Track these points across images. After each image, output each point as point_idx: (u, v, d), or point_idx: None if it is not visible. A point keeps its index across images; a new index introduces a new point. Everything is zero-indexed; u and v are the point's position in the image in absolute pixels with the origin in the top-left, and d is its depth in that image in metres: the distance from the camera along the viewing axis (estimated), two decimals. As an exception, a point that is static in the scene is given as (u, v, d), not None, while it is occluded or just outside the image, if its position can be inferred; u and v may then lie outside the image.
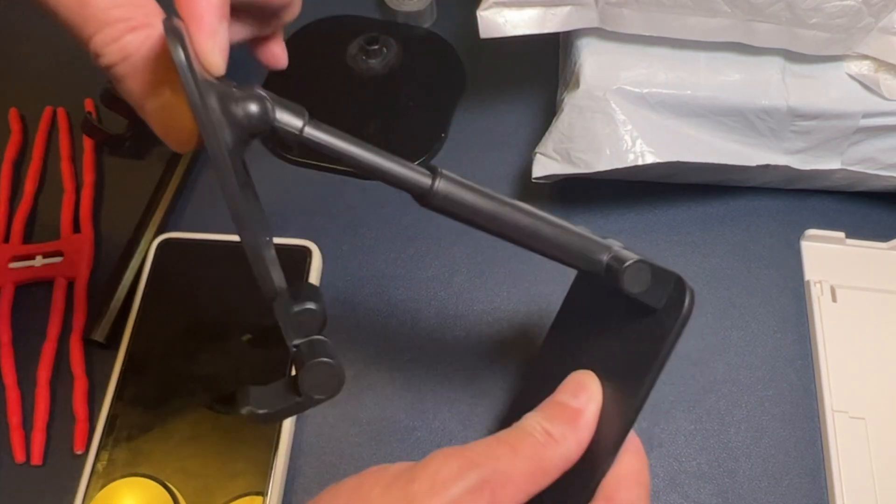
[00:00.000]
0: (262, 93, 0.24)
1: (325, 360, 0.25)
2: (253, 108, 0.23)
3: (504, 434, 0.26)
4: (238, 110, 0.23)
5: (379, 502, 0.24)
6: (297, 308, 0.25)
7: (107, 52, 0.22)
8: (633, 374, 0.27)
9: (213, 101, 0.22)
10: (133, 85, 0.23)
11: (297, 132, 0.24)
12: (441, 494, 0.24)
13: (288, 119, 0.24)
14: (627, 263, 0.26)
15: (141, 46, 0.22)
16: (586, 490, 0.26)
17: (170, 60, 0.21)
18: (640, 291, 0.27)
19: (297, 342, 0.25)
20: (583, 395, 0.27)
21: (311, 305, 0.25)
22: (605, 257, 0.27)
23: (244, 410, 0.25)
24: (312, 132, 0.25)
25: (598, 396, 0.27)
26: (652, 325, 0.27)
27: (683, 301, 0.26)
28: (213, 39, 0.23)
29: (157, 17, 0.23)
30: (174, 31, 0.20)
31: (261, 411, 0.25)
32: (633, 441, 0.27)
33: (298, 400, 0.25)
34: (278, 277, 0.25)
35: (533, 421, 0.26)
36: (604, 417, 0.27)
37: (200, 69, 0.22)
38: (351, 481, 0.25)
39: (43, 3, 0.23)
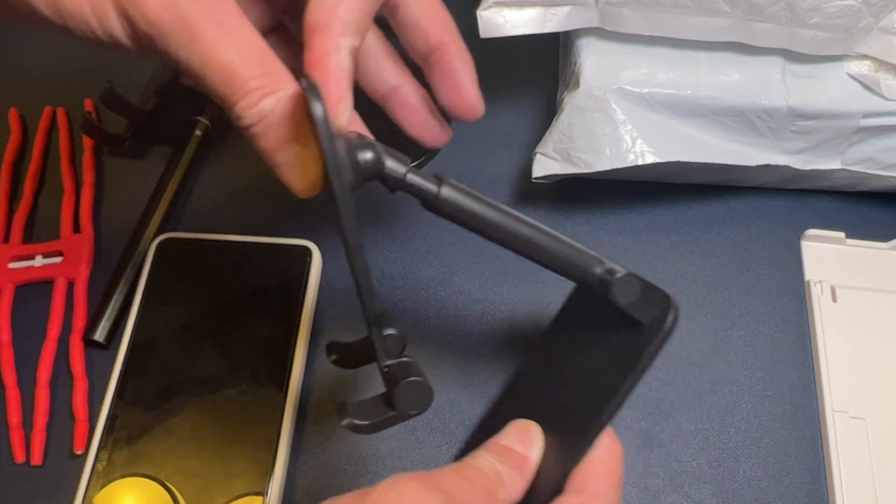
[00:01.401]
0: (374, 141, 0.27)
1: (416, 379, 0.28)
2: (368, 155, 0.27)
3: (460, 466, 0.27)
4: (357, 157, 0.27)
5: None
6: (385, 332, 0.29)
7: (246, 115, 0.26)
8: (609, 384, 0.28)
9: (341, 150, 0.25)
10: (267, 141, 0.26)
11: (401, 177, 0.28)
12: None
13: (393, 166, 0.27)
14: (618, 275, 0.29)
15: (275, 108, 0.26)
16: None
17: (300, 118, 0.25)
18: (629, 303, 0.29)
19: (388, 363, 0.28)
20: (529, 443, 0.28)
21: (393, 331, 0.29)
22: (598, 269, 0.29)
23: (344, 422, 0.27)
24: (413, 178, 0.28)
25: (541, 445, 0.29)
26: (635, 339, 0.29)
27: (666, 317, 0.27)
28: (342, 104, 0.26)
29: (287, 81, 0.26)
30: (314, 92, 0.24)
31: (359, 422, 0.28)
32: (605, 434, 0.28)
33: (393, 414, 0.28)
34: (378, 304, 0.28)
35: (486, 460, 0.27)
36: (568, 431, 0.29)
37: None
38: None
39: (196, 76, 0.25)
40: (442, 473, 0.26)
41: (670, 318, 0.28)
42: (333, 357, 0.32)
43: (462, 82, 0.31)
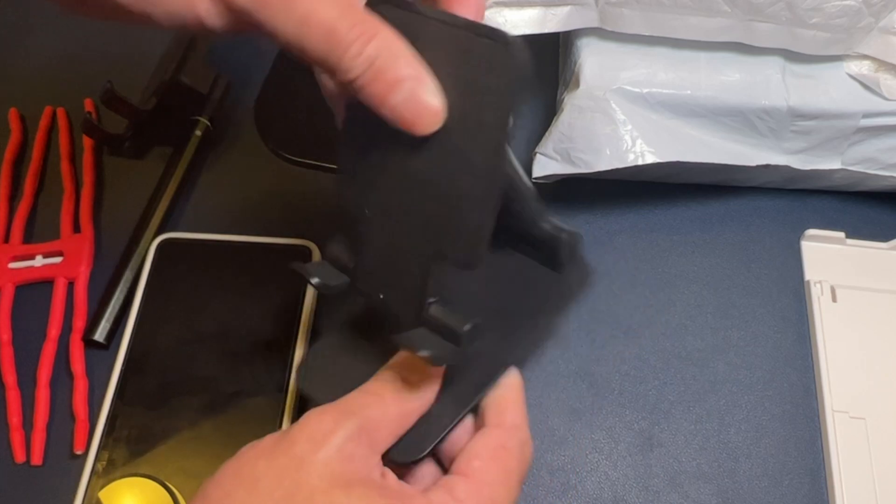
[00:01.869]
0: None
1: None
2: None
3: (368, 385, 0.28)
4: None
5: (268, 474, 0.25)
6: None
7: (354, 66, 0.25)
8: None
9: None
10: (379, 85, 0.26)
11: None
12: (325, 448, 0.25)
13: None
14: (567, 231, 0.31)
15: (379, 52, 0.26)
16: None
17: (408, 55, 0.26)
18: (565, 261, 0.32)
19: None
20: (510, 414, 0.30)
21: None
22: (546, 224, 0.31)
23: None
24: None
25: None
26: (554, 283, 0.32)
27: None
28: None
29: (378, 24, 0.26)
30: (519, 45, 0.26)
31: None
32: (502, 414, 0.29)
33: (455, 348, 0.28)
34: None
35: (392, 372, 0.29)
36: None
37: None
38: (228, 466, 0.27)
39: (293, 41, 0.25)
40: (351, 397, 0.27)
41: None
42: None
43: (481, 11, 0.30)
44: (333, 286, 0.31)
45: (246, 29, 0.25)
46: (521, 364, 0.31)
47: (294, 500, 0.25)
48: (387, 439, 0.27)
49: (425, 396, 0.29)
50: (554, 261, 0.32)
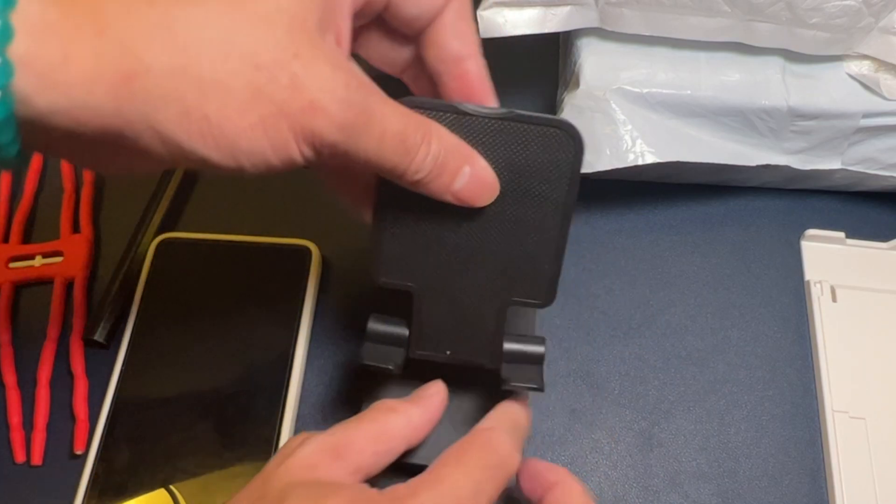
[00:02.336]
0: None
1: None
2: None
3: (358, 415, 0.30)
4: None
5: (241, 494, 0.28)
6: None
7: (424, 167, 0.27)
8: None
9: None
10: (445, 177, 0.28)
11: None
12: (289, 459, 0.28)
13: None
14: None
15: (440, 148, 0.28)
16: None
17: (457, 144, 0.29)
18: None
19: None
20: (433, 388, 0.33)
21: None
22: None
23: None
24: None
25: (444, 392, 0.32)
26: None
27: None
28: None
29: (428, 120, 0.28)
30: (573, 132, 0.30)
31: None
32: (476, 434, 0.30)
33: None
34: None
35: (381, 401, 0.31)
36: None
37: None
38: None
39: (372, 159, 0.26)
40: (335, 427, 0.29)
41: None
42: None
43: (486, 95, 0.31)
44: (398, 364, 0.33)
45: (329, 159, 0.26)
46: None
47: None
48: (361, 455, 0.28)
49: (406, 417, 0.30)
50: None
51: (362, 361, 0.33)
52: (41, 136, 0.22)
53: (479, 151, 0.29)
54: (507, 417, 0.32)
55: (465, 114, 0.29)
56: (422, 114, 0.28)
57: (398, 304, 0.34)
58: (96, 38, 0.21)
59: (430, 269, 0.32)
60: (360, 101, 0.25)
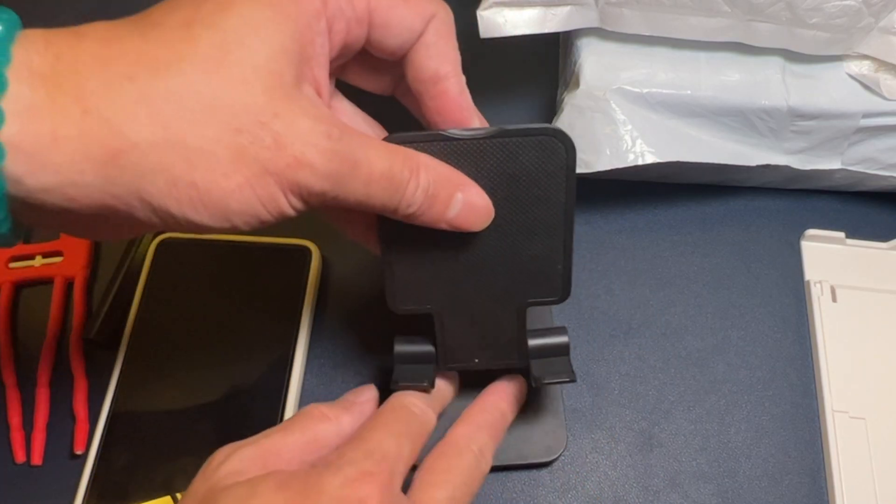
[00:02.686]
0: None
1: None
2: None
3: (283, 422, 0.31)
4: None
5: None
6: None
7: (414, 201, 0.28)
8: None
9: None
10: (437, 207, 0.29)
11: None
12: (216, 471, 0.28)
13: None
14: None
15: (428, 179, 0.28)
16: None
17: (448, 172, 0.29)
18: None
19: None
20: (365, 393, 0.34)
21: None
22: None
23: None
24: None
25: (375, 397, 0.34)
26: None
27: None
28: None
29: (412, 151, 0.28)
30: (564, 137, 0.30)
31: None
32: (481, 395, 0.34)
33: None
34: None
35: (313, 405, 0.32)
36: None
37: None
38: None
39: (360, 201, 0.27)
40: (260, 436, 0.30)
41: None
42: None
43: (466, 114, 0.31)
44: (431, 380, 0.34)
45: (320, 206, 0.26)
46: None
47: None
48: (289, 465, 0.29)
49: (337, 425, 0.31)
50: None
51: (396, 385, 0.33)
52: (33, 213, 0.23)
53: (472, 173, 0.30)
54: (395, 414, 0.32)
55: (452, 139, 0.29)
56: (409, 147, 0.28)
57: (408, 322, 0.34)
58: (81, 117, 0.22)
59: (444, 288, 0.33)
60: (343, 148, 0.25)
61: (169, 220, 0.24)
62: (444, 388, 0.35)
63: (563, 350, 0.35)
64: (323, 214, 0.33)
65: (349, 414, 0.32)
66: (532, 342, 0.34)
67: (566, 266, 0.33)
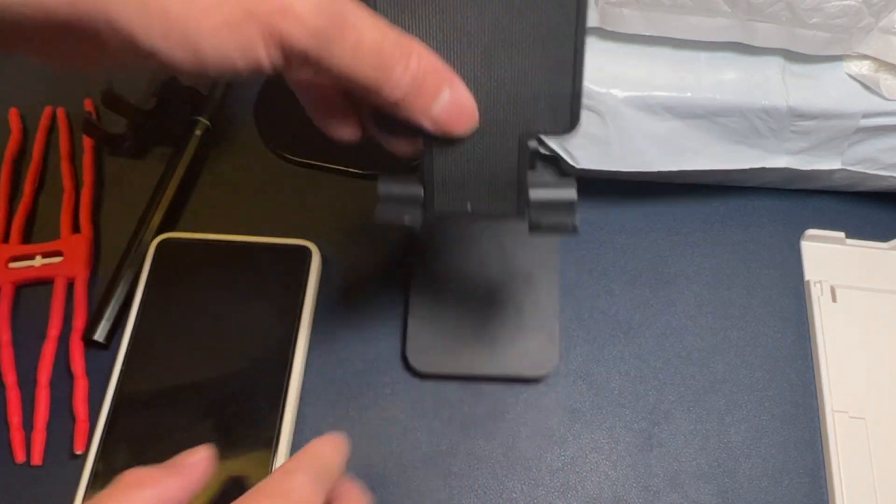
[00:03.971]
0: None
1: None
2: None
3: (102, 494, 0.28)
4: None
5: None
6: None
7: (402, 84, 0.26)
8: None
9: None
10: (423, 97, 0.27)
11: None
12: None
13: None
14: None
15: (420, 65, 0.26)
16: None
17: (442, 69, 0.27)
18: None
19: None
20: (198, 454, 0.30)
21: None
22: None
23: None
24: None
25: (208, 459, 0.30)
26: None
27: None
28: None
29: (410, 37, 0.26)
30: None
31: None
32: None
33: None
34: None
35: (128, 472, 0.28)
36: None
37: None
38: None
39: (346, 71, 0.25)
40: None
41: None
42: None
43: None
44: (416, 220, 0.31)
45: (299, 69, 0.25)
46: None
47: None
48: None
49: (158, 490, 0.28)
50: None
51: (375, 221, 0.30)
52: (6, 33, 0.22)
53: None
54: (312, 458, 0.29)
55: None
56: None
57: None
58: None
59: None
60: (336, 8, 0.24)
61: (135, 50, 0.23)
62: (334, 462, 0.30)
63: (567, 205, 0.30)
64: (298, 88, 0.31)
65: (176, 476, 0.28)
66: (535, 192, 0.30)
67: (576, 87, 0.28)
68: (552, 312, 0.38)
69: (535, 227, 0.30)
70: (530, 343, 0.38)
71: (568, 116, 0.29)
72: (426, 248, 0.38)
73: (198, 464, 0.30)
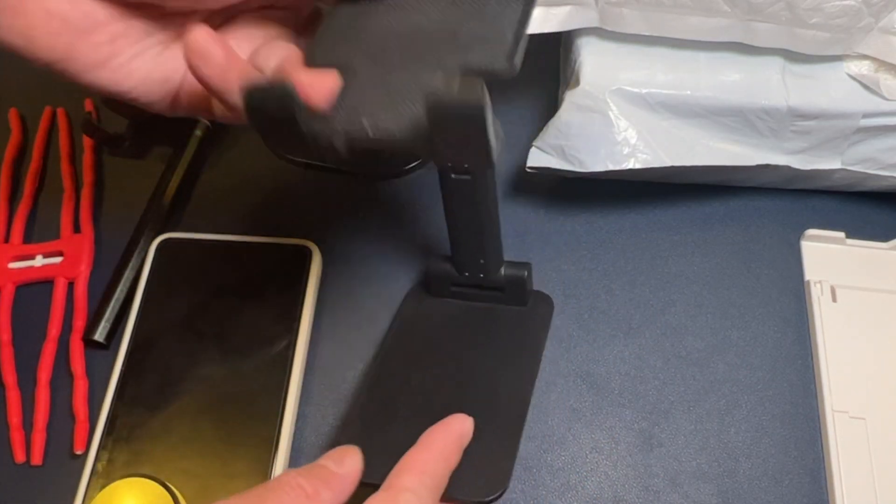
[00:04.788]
0: None
1: None
2: None
3: (258, 487, 0.27)
4: None
5: None
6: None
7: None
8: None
9: None
10: None
11: None
12: None
13: None
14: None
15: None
16: None
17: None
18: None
19: None
20: (347, 462, 0.29)
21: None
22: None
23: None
24: None
25: (359, 465, 0.29)
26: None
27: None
28: None
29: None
30: None
31: None
32: (398, 476, 0.28)
33: None
34: None
35: (290, 476, 0.27)
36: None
37: None
38: None
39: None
40: (235, 498, 0.26)
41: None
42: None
43: None
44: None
45: None
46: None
47: None
48: None
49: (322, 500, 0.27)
50: (519, 297, 0.37)
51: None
52: None
53: None
54: (425, 473, 0.29)
55: None
56: None
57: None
58: None
59: (365, 39, 0.28)
60: None
61: None
62: (443, 475, 0.30)
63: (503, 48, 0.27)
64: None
65: (328, 489, 0.28)
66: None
67: (521, 31, 0.27)
68: (515, 431, 0.33)
69: (460, 80, 0.26)
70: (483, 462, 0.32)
71: (505, 54, 0.26)
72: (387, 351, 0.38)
73: (348, 476, 0.29)
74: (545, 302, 0.39)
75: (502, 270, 0.38)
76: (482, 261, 0.37)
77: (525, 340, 0.37)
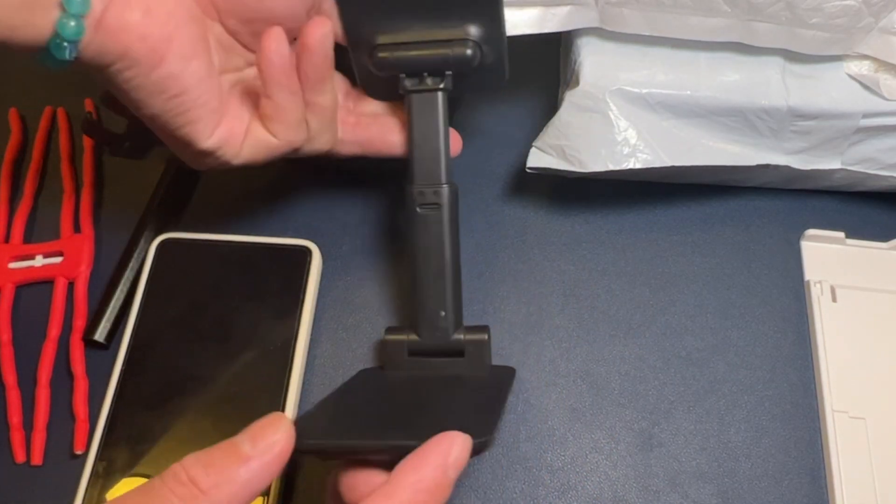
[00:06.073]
0: None
1: None
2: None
3: (148, 482, 0.23)
4: None
5: None
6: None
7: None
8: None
9: None
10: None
11: None
12: None
13: None
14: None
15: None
16: None
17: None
18: None
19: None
20: (268, 437, 0.24)
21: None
22: None
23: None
24: None
25: (283, 440, 0.24)
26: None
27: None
28: None
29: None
30: None
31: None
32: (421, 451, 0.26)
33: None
34: None
35: (183, 467, 0.23)
36: None
37: None
38: None
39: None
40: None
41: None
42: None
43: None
44: None
45: None
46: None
47: None
48: None
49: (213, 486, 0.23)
50: (479, 362, 0.37)
51: None
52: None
53: None
54: (419, 490, 0.25)
55: None
56: None
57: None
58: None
59: None
60: None
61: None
62: (445, 486, 0.26)
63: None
64: None
65: (232, 483, 0.23)
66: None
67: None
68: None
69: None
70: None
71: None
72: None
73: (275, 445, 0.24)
74: (506, 372, 0.38)
75: (461, 335, 0.37)
76: (443, 313, 0.37)
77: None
